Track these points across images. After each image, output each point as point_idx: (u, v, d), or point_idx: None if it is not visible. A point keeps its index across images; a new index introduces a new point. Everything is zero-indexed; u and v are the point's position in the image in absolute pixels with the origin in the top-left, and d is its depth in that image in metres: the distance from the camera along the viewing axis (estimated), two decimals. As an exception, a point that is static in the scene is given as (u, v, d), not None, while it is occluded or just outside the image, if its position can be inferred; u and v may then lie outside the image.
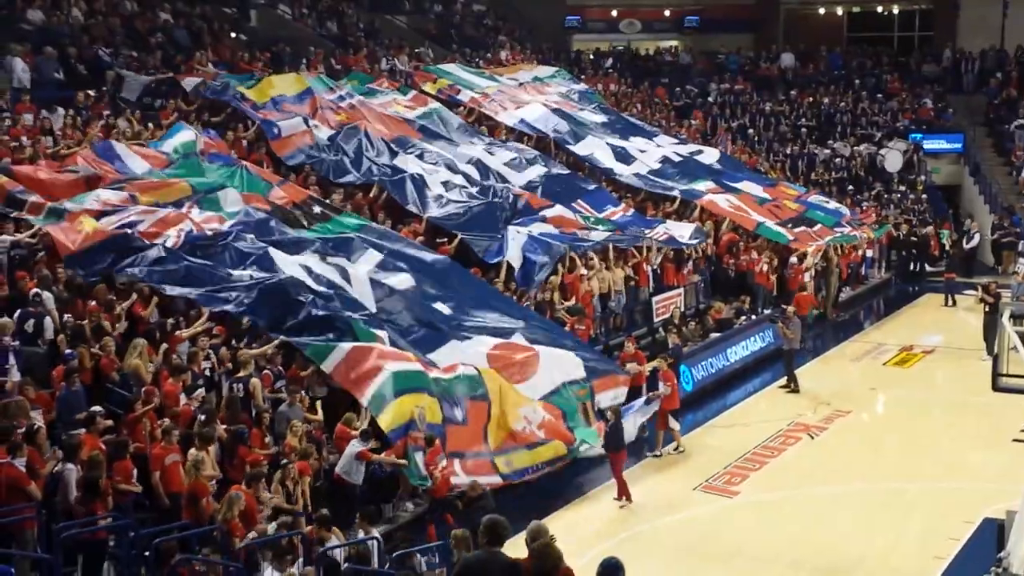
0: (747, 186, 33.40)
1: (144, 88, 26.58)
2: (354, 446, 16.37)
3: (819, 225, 32.52)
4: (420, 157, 27.41)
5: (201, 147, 23.70)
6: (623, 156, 32.75)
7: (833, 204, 35.77)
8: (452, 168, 27.35)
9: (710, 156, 35.22)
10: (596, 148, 32.62)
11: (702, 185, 32.17)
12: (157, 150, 23.11)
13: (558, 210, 26.59)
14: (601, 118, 35.30)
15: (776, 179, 37.13)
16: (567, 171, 30.16)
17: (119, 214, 19.97)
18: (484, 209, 25.45)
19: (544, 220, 25.68)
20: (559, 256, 24.63)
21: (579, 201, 28.09)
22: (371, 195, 25.75)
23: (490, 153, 29.17)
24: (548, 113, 33.71)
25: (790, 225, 31.53)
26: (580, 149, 32.33)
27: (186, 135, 23.93)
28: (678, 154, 34.38)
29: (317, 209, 23.05)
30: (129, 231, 19.38)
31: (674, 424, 20.45)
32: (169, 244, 19.30)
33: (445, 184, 26.33)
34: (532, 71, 38.32)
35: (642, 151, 33.49)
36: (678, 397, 20.75)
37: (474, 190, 26.46)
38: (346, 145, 26.92)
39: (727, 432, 21.84)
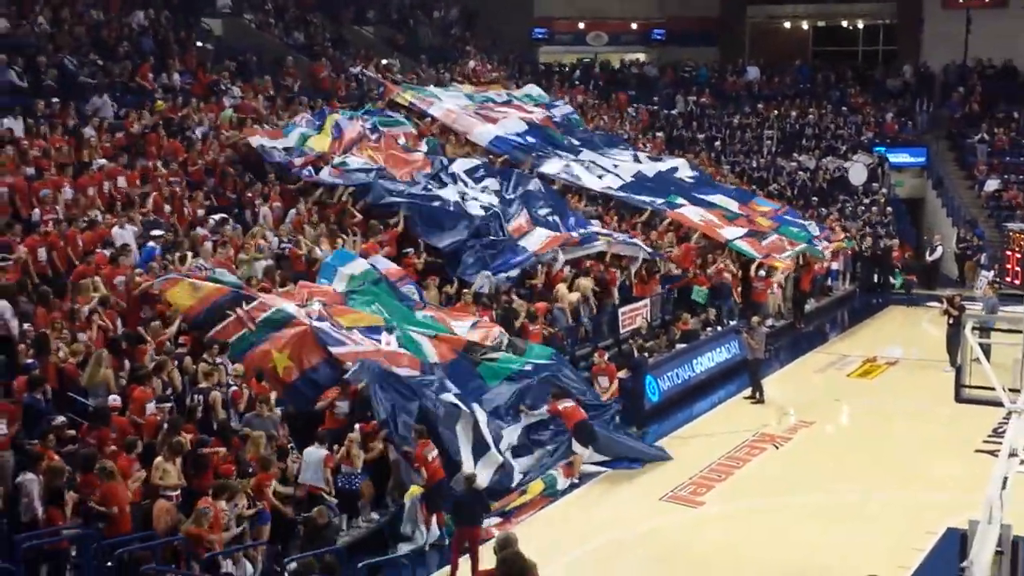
0: (720, 200, 33.47)
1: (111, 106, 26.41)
2: (319, 453, 16.46)
3: (789, 239, 32.65)
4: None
5: (382, 274, 22.56)
6: (597, 171, 32.71)
7: (806, 221, 35.88)
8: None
9: (684, 171, 35.21)
10: (567, 164, 32.54)
11: (674, 200, 32.19)
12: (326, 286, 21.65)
13: (540, 233, 26.51)
14: (576, 142, 35.04)
15: (750, 192, 37.24)
16: (543, 191, 29.51)
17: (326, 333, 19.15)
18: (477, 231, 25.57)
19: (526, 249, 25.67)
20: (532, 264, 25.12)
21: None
22: (339, 204, 25.74)
23: (475, 181, 28.88)
24: (524, 128, 33.68)
25: (760, 238, 31.63)
26: (549, 168, 32.19)
27: (358, 264, 22.37)
28: (654, 169, 34.34)
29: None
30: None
31: (577, 448, 19.80)
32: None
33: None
34: (514, 91, 38.03)
35: (615, 165, 33.47)
36: (576, 420, 19.87)
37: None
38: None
39: (692, 443, 21.86)
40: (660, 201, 31.77)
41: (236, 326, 18.64)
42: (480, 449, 18.33)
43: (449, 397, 18.49)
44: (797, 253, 31.93)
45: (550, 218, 27.60)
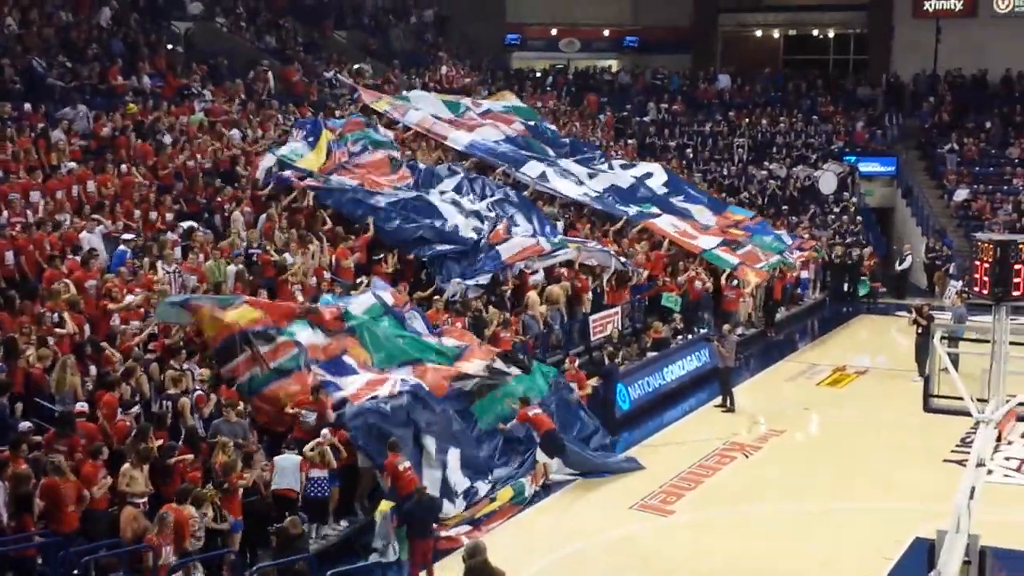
0: (694, 209, 33.45)
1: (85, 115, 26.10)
2: (295, 459, 16.47)
3: (764, 250, 32.79)
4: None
5: (391, 301, 21.99)
6: (574, 180, 32.69)
7: (779, 231, 35.96)
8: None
9: (658, 178, 35.16)
10: (544, 171, 32.50)
11: (649, 210, 32.17)
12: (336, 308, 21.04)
13: (516, 242, 26.40)
14: (552, 152, 34.82)
15: (724, 201, 37.26)
16: (517, 199, 29.39)
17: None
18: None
19: (499, 256, 25.65)
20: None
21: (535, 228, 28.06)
22: (307, 209, 25.65)
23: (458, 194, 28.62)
24: (501, 137, 33.64)
25: (734, 247, 31.72)
26: (525, 171, 32.16)
27: (366, 299, 21.74)
28: (631, 177, 34.27)
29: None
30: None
31: (542, 457, 19.96)
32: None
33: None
34: (495, 102, 37.84)
35: (591, 175, 33.43)
36: (545, 428, 19.95)
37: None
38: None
39: (663, 451, 21.87)
40: (635, 210, 31.79)
41: (248, 364, 18.47)
42: (448, 494, 18.22)
43: (429, 443, 18.26)
44: (773, 265, 32.07)
45: (524, 225, 27.58)
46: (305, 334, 19.26)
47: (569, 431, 20.91)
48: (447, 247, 25.25)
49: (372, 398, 18.40)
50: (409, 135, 32.69)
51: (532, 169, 32.28)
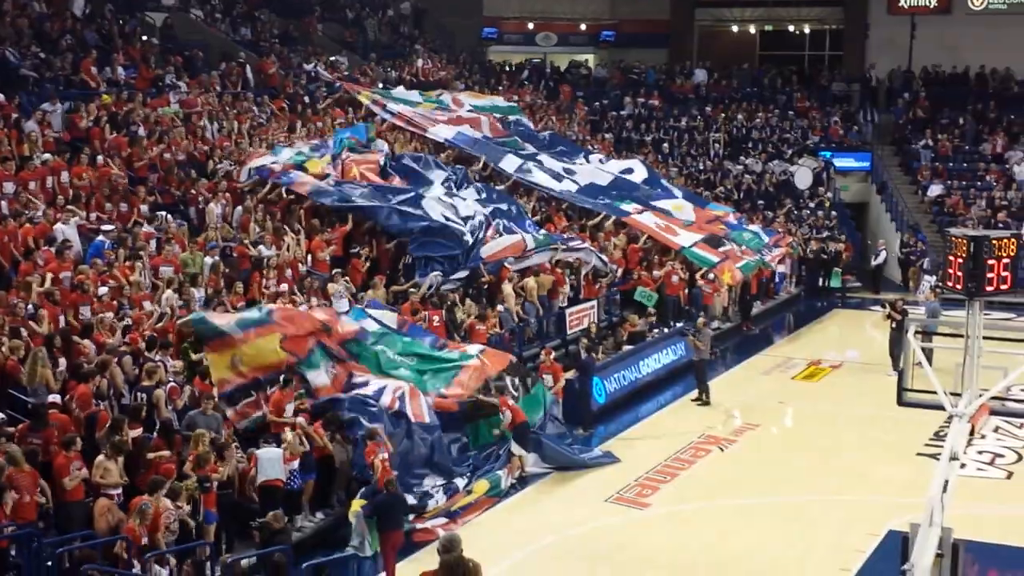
0: (673, 204, 33.47)
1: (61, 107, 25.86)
2: (278, 451, 16.49)
3: (743, 246, 32.85)
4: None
5: (395, 325, 21.86)
6: (554, 175, 32.67)
7: (757, 227, 36.03)
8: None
9: (638, 174, 35.08)
10: (524, 164, 32.45)
11: (629, 206, 32.16)
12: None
13: (500, 240, 26.30)
14: (532, 149, 34.58)
15: (703, 199, 37.27)
16: (497, 194, 29.38)
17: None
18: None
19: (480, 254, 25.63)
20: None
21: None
22: (283, 202, 25.55)
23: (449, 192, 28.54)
24: (481, 135, 33.56)
25: (714, 243, 31.75)
26: (505, 165, 32.14)
27: (369, 324, 21.43)
28: (611, 172, 34.23)
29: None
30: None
31: (516, 450, 19.97)
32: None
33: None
34: (477, 100, 37.64)
35: (572, 171, 33.37)
36: (521, 417, 20.16)
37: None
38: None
39: (638, 444, 21.92)
40: (616, 206, 31.73)
41: (254, 407, 18.25)
42: (423, 499, 18.18)
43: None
44: (751, 268, 32.09)
45: (500, 221, 27.49)
46: (313, 373, 19.09)
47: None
48: (439, 253, 25.09)
49: (374, 398, 18.64)
50: (385, 127, 32.57)
51: (511, 163, 32.23)
